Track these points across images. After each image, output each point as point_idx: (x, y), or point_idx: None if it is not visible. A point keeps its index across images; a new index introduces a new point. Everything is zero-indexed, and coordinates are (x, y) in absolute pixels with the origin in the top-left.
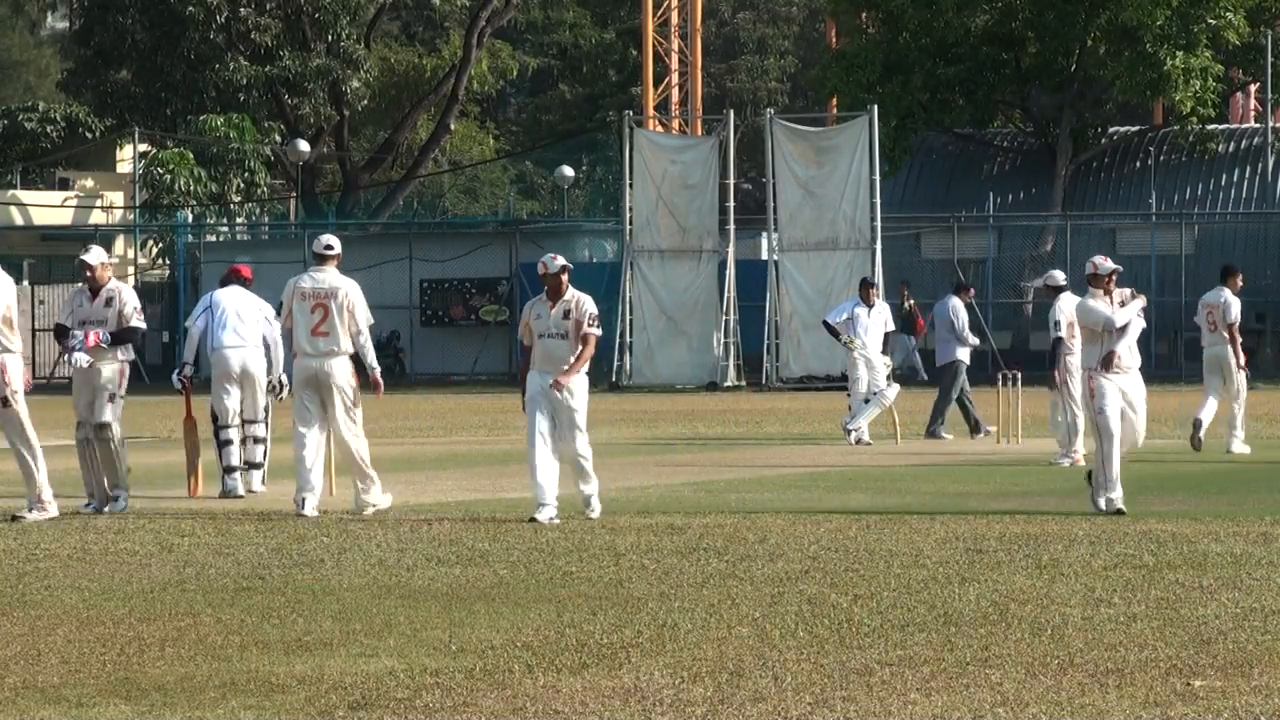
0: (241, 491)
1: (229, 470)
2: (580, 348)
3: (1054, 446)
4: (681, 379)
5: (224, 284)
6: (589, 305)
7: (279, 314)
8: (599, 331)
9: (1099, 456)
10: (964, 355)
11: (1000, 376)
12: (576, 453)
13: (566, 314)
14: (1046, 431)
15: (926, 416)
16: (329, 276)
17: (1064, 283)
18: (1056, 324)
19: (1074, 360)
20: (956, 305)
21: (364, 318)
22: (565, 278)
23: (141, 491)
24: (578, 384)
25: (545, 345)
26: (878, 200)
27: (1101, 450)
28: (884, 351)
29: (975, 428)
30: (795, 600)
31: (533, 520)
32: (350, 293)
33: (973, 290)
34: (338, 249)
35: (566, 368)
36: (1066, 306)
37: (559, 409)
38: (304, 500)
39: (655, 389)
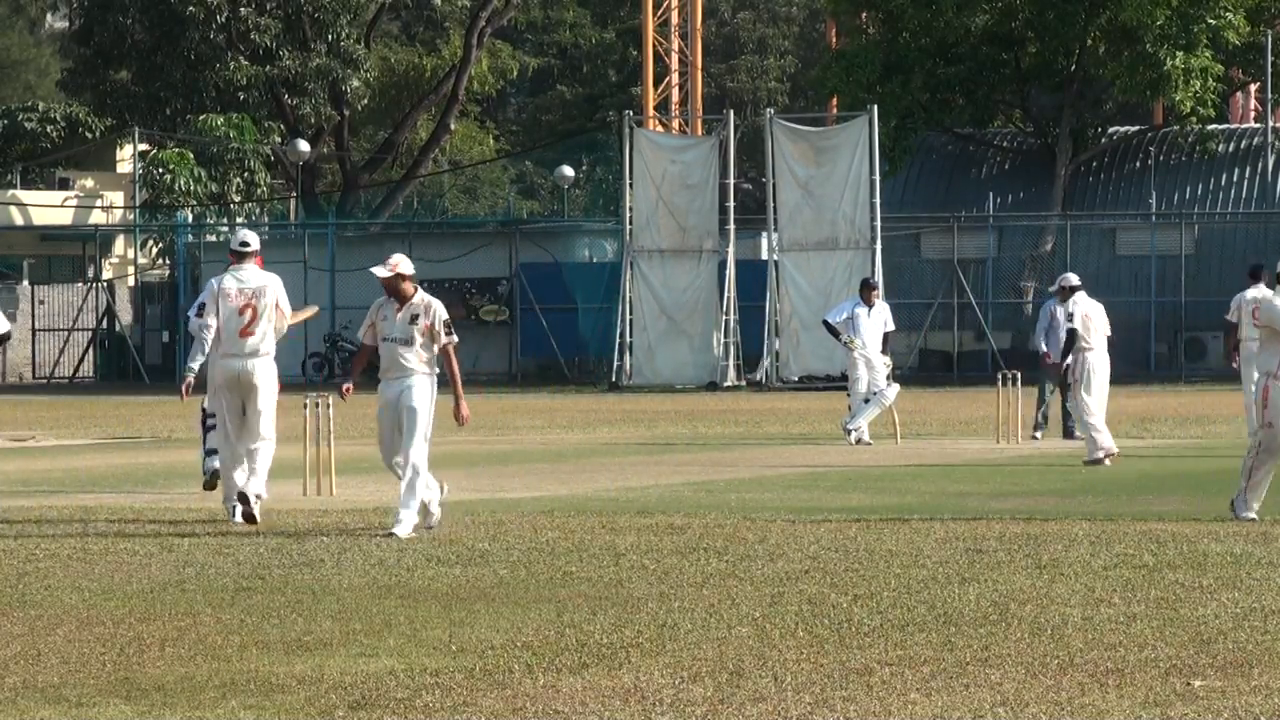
0: (217, 465)
1: (211, 452)
2: (446, 362)
3: (1051, 446)
4: (681, 379)
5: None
6: (441, 311)
7: (200, 313)
8: (456, 339)
9: (1253, 468)
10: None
11: (1000, 376)
12: (410, 459)
13: (414, 319)
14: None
15: (925, 417)
16: (253, 275)
17: (1078, 283)
18: (1070, 316)
19: (1093, 357)
20: (1047, 308)
21: (289, 312)
22: (406, 284)
23: (143, 491)
24: (421, 390)
25: (389, 350)
26: (877, 200)
27: (1259, 464)
28: (884, 351)
29: (1036, 424)
30: (795, 600)
31: (391, 535)
32: (275, 289)
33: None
34: (256, 245)
35: (458, 398)
36: (1083, 303)
37: (403, 414)
38: (235, 509)
39: (655, 389)
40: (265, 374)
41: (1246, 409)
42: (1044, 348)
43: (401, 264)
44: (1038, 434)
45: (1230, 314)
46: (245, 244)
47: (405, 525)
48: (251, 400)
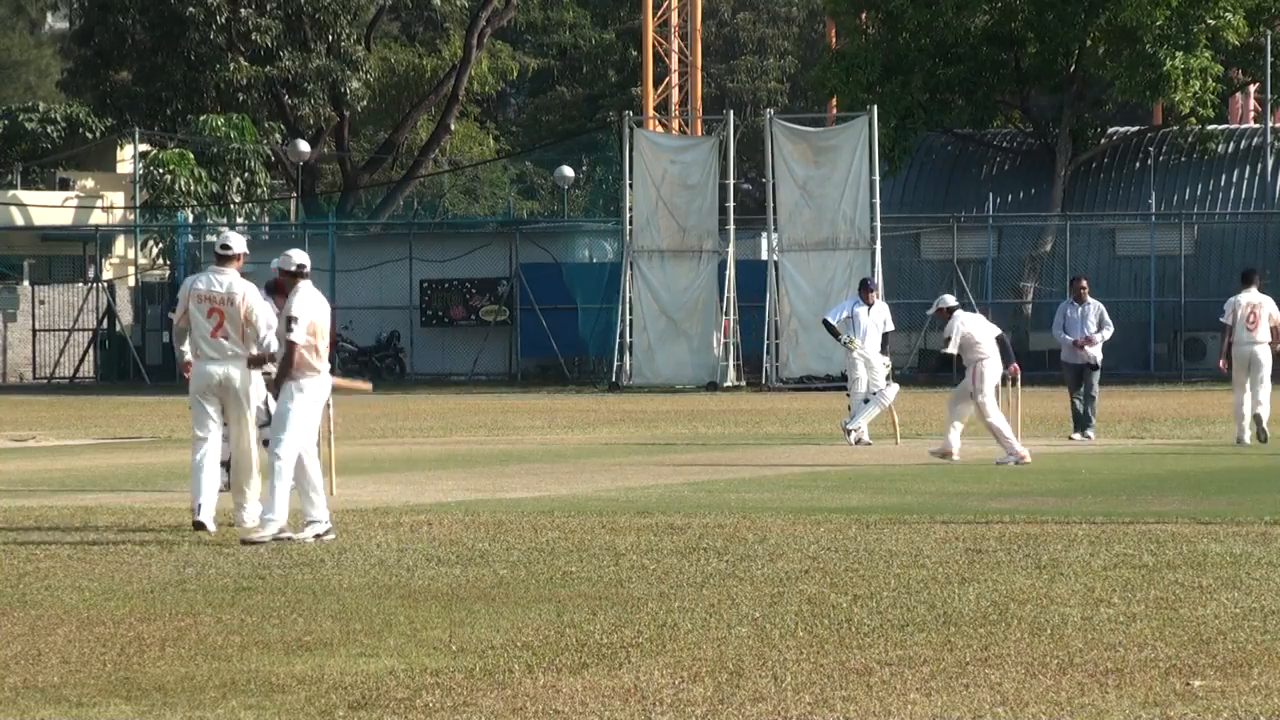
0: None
1: (225, 465)
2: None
3: (1050, 447)
4: (681, 379)
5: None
6: (291, 308)
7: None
8: (294, 337)
9: None
10: (1082, 356)
11: (1000, 376)
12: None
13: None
14: (1042, 431)
15: (925, 417)
16: (228, 279)
17: (955, 303)
18: (947, 340)
19: (988, 364)
20: (1061, 308)
21: (264, 322)
22: (286, 280)
23: (143, 491)
24: (285, 392)
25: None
26: (877, 200)
27: None
28: (883, 351)
29: (1076, 425)
30: (795, 600)
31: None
32: (249, 297)
33: (1082, 284)
34: (237, 249)
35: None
36: (962, 322)
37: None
38: (200, 507)
39: (655, 389)
40: (240, 377)
41: (1237, 409)
42: (1068, 339)
43: (280, 261)
44: (1077, 434)
45: (1225, 317)
46: (227, 247)
47: (312, 532)
48: (230, 404)
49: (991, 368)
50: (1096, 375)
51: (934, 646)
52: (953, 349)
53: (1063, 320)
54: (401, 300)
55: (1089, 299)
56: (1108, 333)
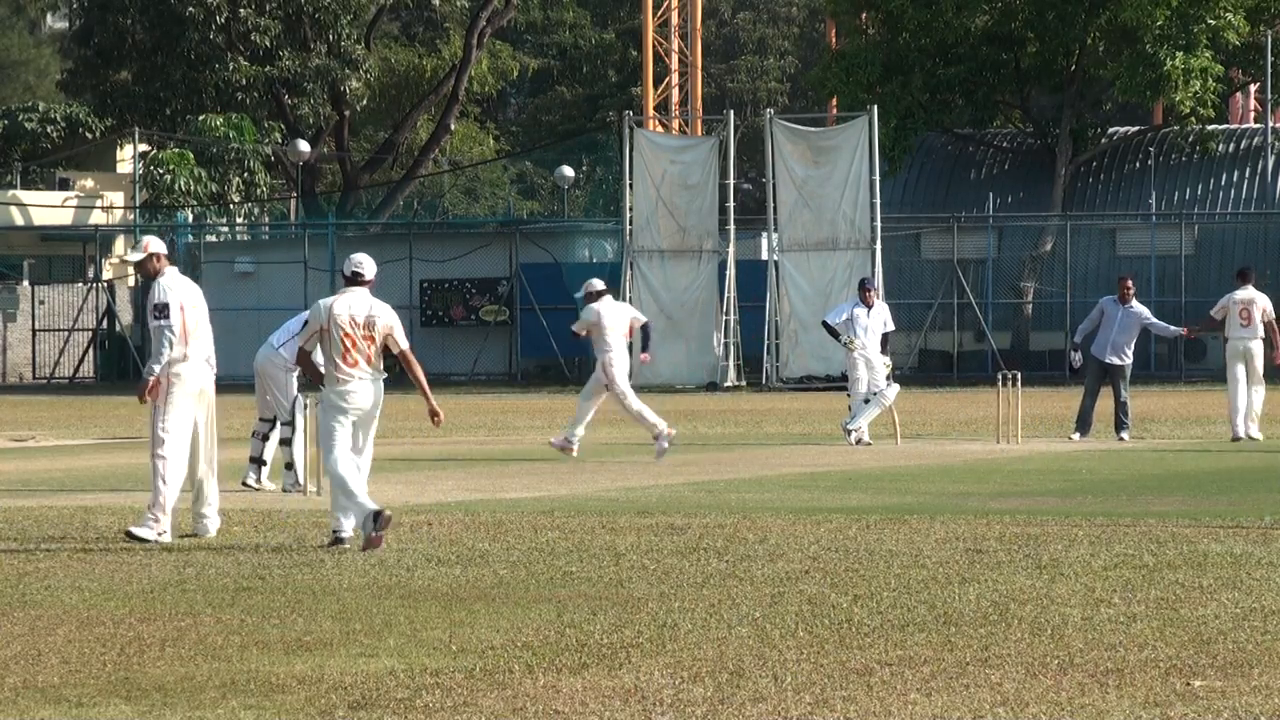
0: (252, 482)
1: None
2: None
3: (1051, 447)
4: (681, 379)
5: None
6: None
7: (165, 314)
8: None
9: None
10: (1108, 357)
11: (1000, 377)
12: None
13: None
14: (1042, 431)
15: (925, 417)
16: (185, 280)
17: (602, 287)
18: (584, 321)
19: (614, 357)
20: (1100, 305)
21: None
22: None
23: (143, 491)
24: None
25: None
26: (877, 200)
27: None
28: (883, 352)
29: (1078, 425)
30: (795, 600)
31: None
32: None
33: (1128, 284)
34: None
35: None
36: (598, 310)
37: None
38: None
39: (655, 389)
40: (212, 385)
41: (1232, 406)
42: (1077, 340)
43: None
44: (1077, 434)
45: (1216, 310)
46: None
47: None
48: (205, 408)
49: (619, 361)
50: (1123, 380)
51: (934, 646)
52: (579, 330)
53: (1099, 315)
54: (401, 300)
55: (1134, 301)
56: (1161, 328)
